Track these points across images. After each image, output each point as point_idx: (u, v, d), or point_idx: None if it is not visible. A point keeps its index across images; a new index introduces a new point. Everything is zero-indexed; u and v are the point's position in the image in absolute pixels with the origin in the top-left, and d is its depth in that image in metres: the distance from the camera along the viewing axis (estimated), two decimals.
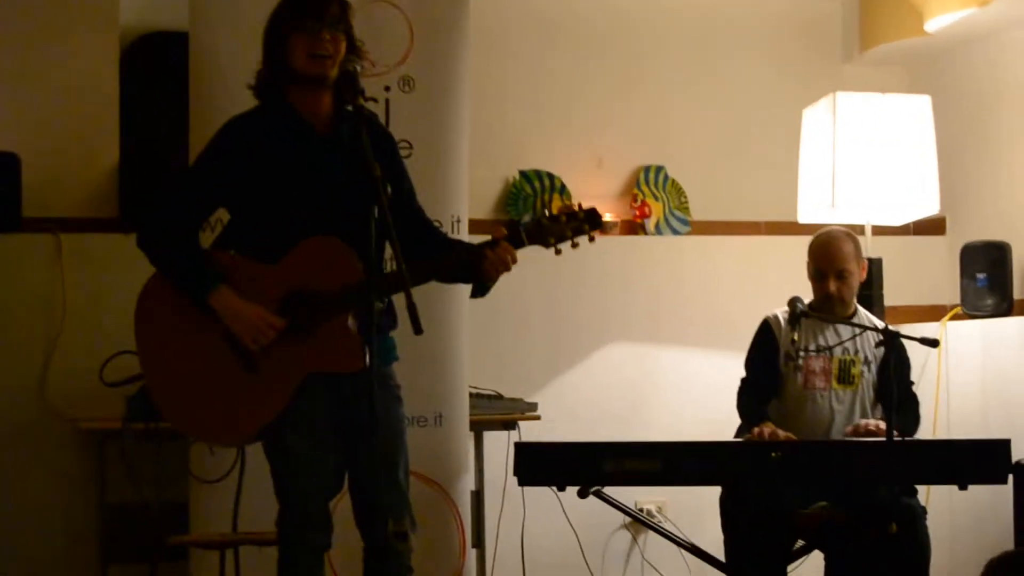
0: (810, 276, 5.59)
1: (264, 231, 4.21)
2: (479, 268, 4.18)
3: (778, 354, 5.55)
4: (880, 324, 5.52)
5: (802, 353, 5.47)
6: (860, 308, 5.63)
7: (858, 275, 5.55)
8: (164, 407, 4.31)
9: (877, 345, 5.35)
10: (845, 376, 5.48)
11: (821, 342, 5.50)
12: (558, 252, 4.21)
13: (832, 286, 5.47)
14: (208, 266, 4.23)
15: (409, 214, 4.38)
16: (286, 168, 4.20)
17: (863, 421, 5.34)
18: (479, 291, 4.35)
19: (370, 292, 3.92)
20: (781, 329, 5.56)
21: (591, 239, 4.24)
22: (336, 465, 4.25)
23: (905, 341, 5.35)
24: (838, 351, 5.48)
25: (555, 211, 4.22)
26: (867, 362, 5.49)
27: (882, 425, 5.19)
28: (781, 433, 5.24)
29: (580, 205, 4.23)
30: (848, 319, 5.52)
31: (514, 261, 4.19)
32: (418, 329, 3.80)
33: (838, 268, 5.48)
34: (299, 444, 4.18)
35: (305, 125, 4.23)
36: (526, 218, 4.39)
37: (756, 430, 5.29)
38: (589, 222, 4.21)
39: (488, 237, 4.21)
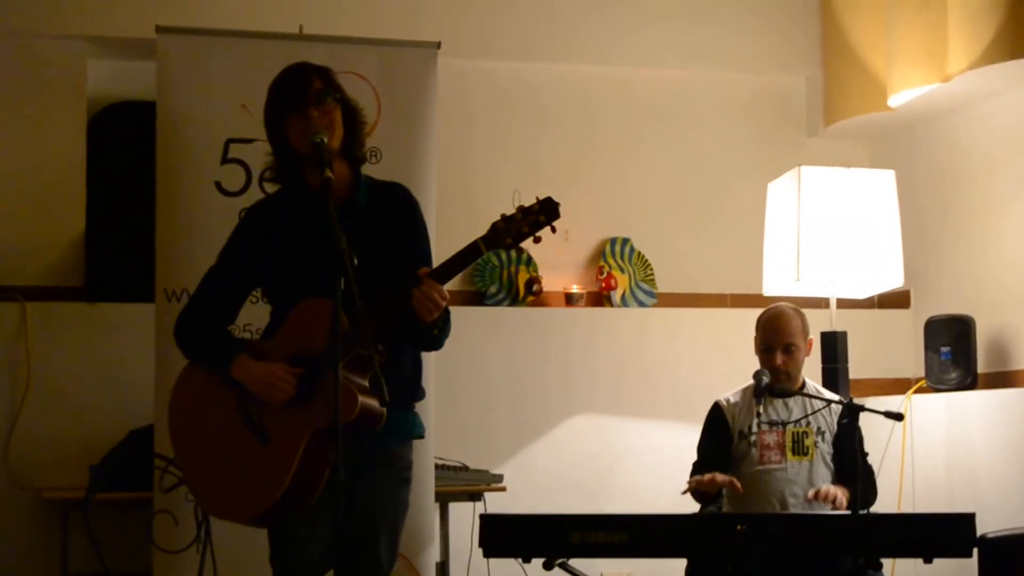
0: (757, 350, 5.67)
1: (285, 306, 4.22)
2: (411, 309, 4.03)
3: (730, 436, 5.62)
4: (834, 396, 5.66)
5: (755, 430, 5.51)
6: (808, 380, 5.70)
7: (804, 350, 5.64)
8: (198, 495, 4.38)
9: (840, 420, 5.41)
10: (799, 447, 5.52)
11: (774, 417, 5.55)
12: (519, 251, 4.12)
13: (779, 359, 5.55)
14: (228, 342, 4.28)
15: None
16: (299, 243, 4.22)
17: (824, 487, 5.35)
18: (426, 342, 4.27)
19: (335, 351, 3.87)
20: (732, 412, 5.64)
21: (552, 230, 4.05)
22: (330, 537, 4.12)
23: (870, 414, 5.37)
24: (790, 424, 5.52)
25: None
26: (820, 432, 5.54)
27: (841, 495, 5.25)
28: (721, 477, 5.33)
29: (537, 198, 4.06)
30: (799, 392, 5.59)
31: (443, 299, 4.05)
32: (383, 399, 3.82)
33: (785, 342, 5.57)
34: (295, 514, 4.14)
35: (314, 199, 4.18)
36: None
37: (697, 478, 5.40)
38: (545, 213, 4.02)
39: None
